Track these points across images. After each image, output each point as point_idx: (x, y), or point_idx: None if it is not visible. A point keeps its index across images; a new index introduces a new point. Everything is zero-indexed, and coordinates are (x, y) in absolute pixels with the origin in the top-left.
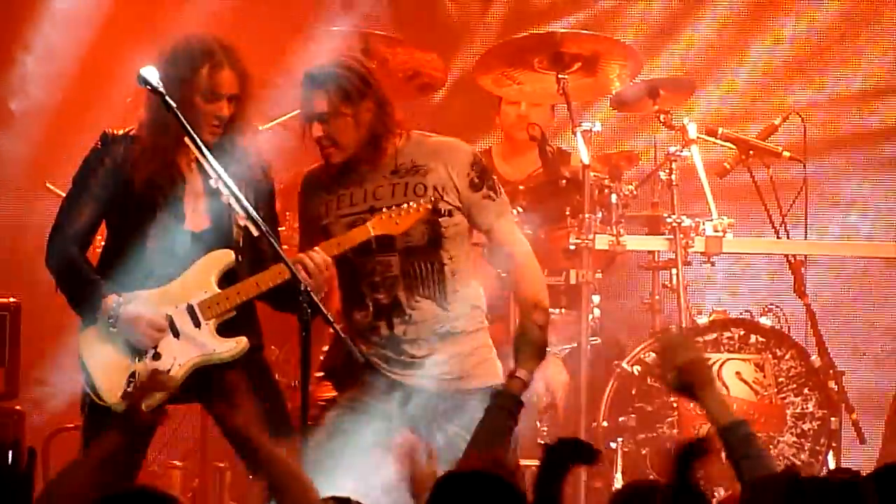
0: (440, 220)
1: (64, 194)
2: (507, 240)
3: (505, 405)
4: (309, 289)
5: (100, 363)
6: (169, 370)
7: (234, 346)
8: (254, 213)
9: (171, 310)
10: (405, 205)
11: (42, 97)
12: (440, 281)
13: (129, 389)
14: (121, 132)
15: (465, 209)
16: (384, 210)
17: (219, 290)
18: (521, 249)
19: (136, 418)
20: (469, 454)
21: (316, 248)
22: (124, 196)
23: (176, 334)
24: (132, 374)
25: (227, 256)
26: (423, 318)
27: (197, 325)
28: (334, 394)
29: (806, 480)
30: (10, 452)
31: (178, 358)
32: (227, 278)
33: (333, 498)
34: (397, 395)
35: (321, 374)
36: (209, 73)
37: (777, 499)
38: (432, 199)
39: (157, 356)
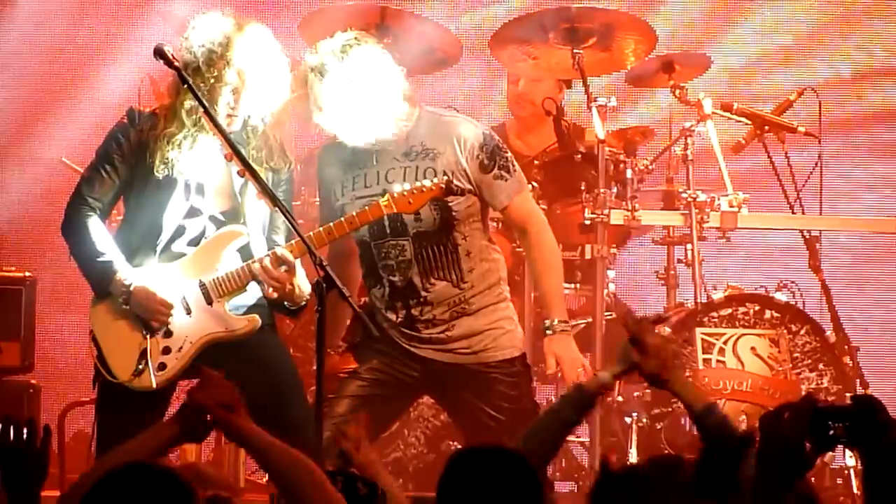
0: (450, 203)
1: (80, 169)
2: (522, 216)
3: (573, 398)
4: (325, 263)
5: (111, 339)
6: (181, 347)
7: (247, 323)
8: (270, 189)
9: (184, 287)
10: (419, 183)
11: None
12: (455, 262)
13: (140, 367)
14: (147, 110)
15: (476, 190)
16: (398, 189)
17: (231, 268)
18: (536, 225)
19: (199, 428)
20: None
21: (323, 228)
22: (145, 172)
23: (188, 311)
24: (144, 352)
25: (239, 233)
26: (439, 299)
27: (209, 302)
28: (355, 366)
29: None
30: (25, 430)
31: (189, 335)
32: (241, 256)
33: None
34: (416, 367)
35: (344, 346)
36: (224, 66)
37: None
38: (445, 180)
39: (168, 333)
